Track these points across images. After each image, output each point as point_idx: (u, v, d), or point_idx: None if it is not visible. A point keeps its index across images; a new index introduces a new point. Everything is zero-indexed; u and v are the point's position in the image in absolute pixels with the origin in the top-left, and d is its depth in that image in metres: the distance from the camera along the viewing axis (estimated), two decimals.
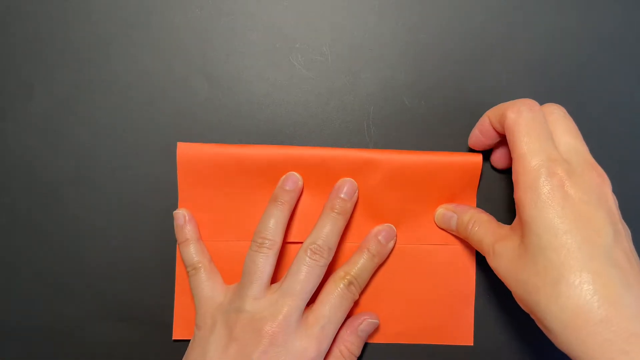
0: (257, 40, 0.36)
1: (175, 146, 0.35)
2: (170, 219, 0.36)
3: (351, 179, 0.35)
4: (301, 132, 0.36)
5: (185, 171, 0.35)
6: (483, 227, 0.32)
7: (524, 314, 0.35)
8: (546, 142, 0.29)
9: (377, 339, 0.36)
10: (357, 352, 0.34)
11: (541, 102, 0.35)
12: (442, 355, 0.36)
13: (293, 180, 0.34)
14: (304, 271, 0.32)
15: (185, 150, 0.35)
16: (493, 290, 0.36)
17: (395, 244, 0.35)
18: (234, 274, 0.35)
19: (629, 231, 0.29)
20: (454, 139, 0.36)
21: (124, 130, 0.36)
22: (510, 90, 0.36)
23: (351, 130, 0.36)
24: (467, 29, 0.36)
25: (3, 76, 0.36)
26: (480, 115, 0.33)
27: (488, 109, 0.35)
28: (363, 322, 0.34)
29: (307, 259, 0.32)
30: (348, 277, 0.33)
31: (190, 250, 0.35)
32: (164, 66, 0.36)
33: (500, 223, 0.32)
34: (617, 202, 0.29)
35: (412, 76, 0.36)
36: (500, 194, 0.36)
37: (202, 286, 0.34)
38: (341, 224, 0.34)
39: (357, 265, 0.34)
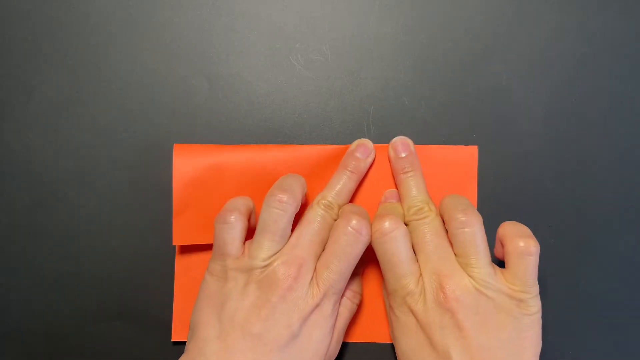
0: (257, 40, 0.36)
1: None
2: (170, 219, 0.36)
3: (367, 139, 0.35)
4: (301, 132, 0.36)
5: (181, 172, 0.35)
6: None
7: None
8: (398, 275, 0.31)
9: (378, 339, 0.36)
10: (360, 289, 0.35)
11: (541, 102, 0.36)
12: None
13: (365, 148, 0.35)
14: (322, 223, 0.32)
15: (181, 152, 0.35)
16: None
17: (374, 157, 0.35)
18: None
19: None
20: (454, 139, 0.36)
21: (124, 130, 0.36)
22: (511, 90, 0.36)
23: (351, 130, 0.36)
24: (467, 29, 0.36)
25: (3, 76, 0.36)
26: (480, 114, 0.33)
27: (488, 109, 0.35)
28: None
29: (320, 211, 0.33)
30: (324, 201, 0.33)
31: (238, 201, 0.34)
32: (164, 66, 0.36)
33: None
34: (480, 300, 0.30)
35: (412, 76, 0.36)
36: (500, 193, 0.36)
37: (232, 242, 0.32)
38: (353, 183, 0.34)
39: (334, 186, 0.34)
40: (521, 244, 0.30)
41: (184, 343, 0.36)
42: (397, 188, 0.35)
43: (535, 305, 0.30)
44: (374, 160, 0.35)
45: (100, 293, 0.36)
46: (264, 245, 0.31)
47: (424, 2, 0.36)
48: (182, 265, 0.36)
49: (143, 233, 0.36)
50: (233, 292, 0.31)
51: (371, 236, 0.32)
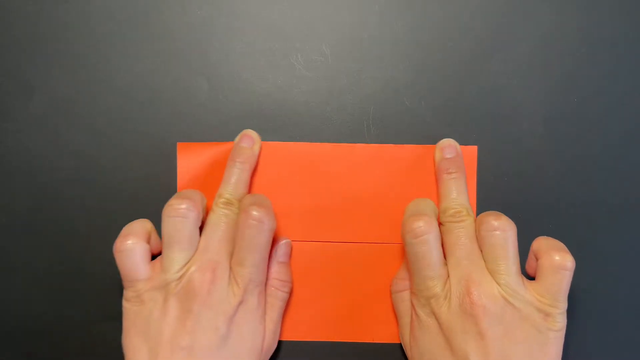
0: (257, 40, 0.36)
1: (175, 146, 0.35)
2: None
3: (251, 130, 0.35)
4: (301, 132, 0.36)
5: (185, 171, 0.35)
6: (406, 304, 0.34)
7: None
8: (425, 277, 0.31)
9: (378, 339, 0.36)
10: (287, 277, 0.35)
11: (541, 102, 0.36)
12: None
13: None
14: (225, 221, 0.32)
15: (185, 150, 0.35)
16: None
17: (260, 146, 0.35)
18: None
19: None
20: (454, 139, 0.36)
21: (123, 131, 0.36)
22: (511, 90, 0.36)
23: (351, 130, 0.36)
24: (467, 29, 0.36)
25: (3, 76, 0.36)
26: (480, 114, 0.33)
27: (488, 109, 0.35)
28: (277, 249, 0.35)
29: (221, 211, 0.32)
30: (221, 199, 0.33)
31: (139, 224, 0.33)
32: (164, 66, 0.36)
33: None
34: (513, 327, 0.30)
35: (412, 76, 0.36)
36: (500, 193, 0.36)
37: (139, 267, 0.32)
38: (246, 174, 0.34)
39: (229, 181, 0.34)
40: (557, 257, 0.30)
41: None
42: (438, 188, 0.35)
43: (562, 322, 0.30)
44: (260, 148, 0.35)
45: (100, 293, 0.36)
46: (173, 257, 0.31)
47: (424, 2, 0.36)
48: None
49: None
50: (154, 312, 0.31)
51: (403, 234, 0.31)
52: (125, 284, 0.32)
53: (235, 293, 0.31)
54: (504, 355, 0.29)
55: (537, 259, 0.31)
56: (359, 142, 0.36)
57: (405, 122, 0.36)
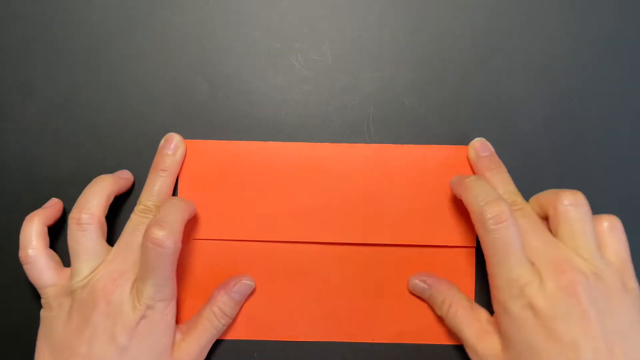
0: (257, 40, 0.36)
1: None
2: None
3: (174, 133, 0.35)
4: (301, 132, 0.36)
5: (187, 168, 0.35)
6: (464, 315, 0.32)
7: None
8: (514, 264, 0.29)
9: (378, 339, 0.36)
10: (232, 313, 0.34)
11: (541, 102, 0.36)
12: (443, 356, 0.36)
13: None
14: (140, 229, 0.32)
15: (188, 147, 0.35)
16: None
17: (184, 152, 0.35)
18: (228, 272, 0.35)
19: (628, 338, 0.28)
20: (454, 139, 0.36)
21: (123, 130, 0.36)
22: (511, 90, 0.36)
23: (351, 130, 0.36)
24: (467, 29, 0.36)
25: (3, 76, 0.36)
26: (480, 114, 0.33)
27: (488, 109, 0.35)
28: (238, 283, 0.35)
29: (138, 217, 0.33)
30: (140, 206, 0.33)
31: (31, 231, 0.33)
32: (164, 66, 0.36)
33: (476, 308, 0.33)
34: (607, 297, 0.28)
35: (412, 76, 0.36)
36: None
37: (43, 276, 0.33)
38: (169, 181, 0.34)
39: (151, 188, 0.34)
40: (606, 223, 0.30)
41: None
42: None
43: (636, 281, 0.30)
44: (185, 153, 0.35)
45: None
46: (79, 266, 0.32)
47: (424, 2, 0.36)
48: (183, 265, 0.36)
49: None
50: (59, 318, 0.31)
51: (482, 222, 0.29)
52: (38, 291, 0.33)
53: (136, 307, 0.30)
54: (613, 331, 0.27)
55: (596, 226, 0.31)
56: (359, 142, 0.36)
57: (405, 122, 0.36)
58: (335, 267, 0.36)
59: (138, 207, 0.33)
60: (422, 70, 0.36)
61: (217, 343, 0.36)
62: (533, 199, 0.33)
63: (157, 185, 0.34)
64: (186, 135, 0.36)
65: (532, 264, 0.29)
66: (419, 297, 0.35)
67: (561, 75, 0.36)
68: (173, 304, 0.32)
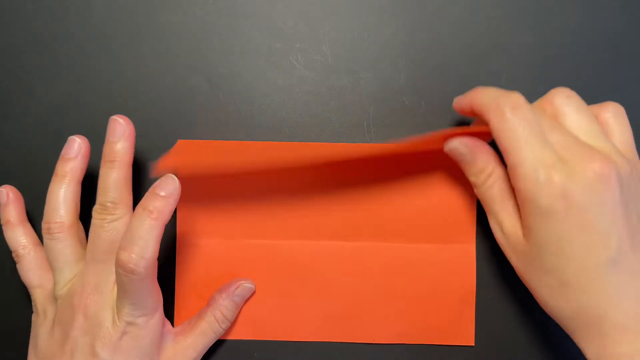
0: (257, 40, 0.36)
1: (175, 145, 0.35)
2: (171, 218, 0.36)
3: (172, 176, 0.30)
4: (301, 132, 0.36)
5: (186, 167, 0.35)
6: (501, 188, 0.30)
7: (526, 313, 0.36)
8: (537, 148, 0.27)
9: (378, 339, 0.36)
10: (232, 317, 0.34)
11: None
12: (443, 356, 0.36)
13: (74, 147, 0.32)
14: (101, 233, 0.31)
15: (184, 147, 0.35)
16: (494, 289, 0.36)
17: (133, 138, 0.32)
18: (228, 271, 0.35)
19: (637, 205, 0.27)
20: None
21: None
22: (511, 90, 0.36)
23: (351, 130, 0.36)
24: (467, 29, 0.36)
25: (3, 76, 0.36)
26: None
27: None
28: (239, 287, 0.34)
29: (98, 220, 0.31)
30: (98, 206, 0.31)
31: (16, 233, 0.33)
32: (164, 66, 0.36)
33: (511, 185, 0.29)
34: (636, 181, 0.27)
35: (412, 76, 0.36)
36: None
37: (28, 275, 0.33)
38: (120, 172, 0.31)
39: (104, 184, 0.31)
40: (609, 114, 0.30)
41: None
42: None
43: None
44: (133, 139, 0.32)
45: None
46: (56, 276, 0.32)
47: (424, 2, 0.36)
48: (183, 265, 0.36)
49: None
50: (44, 326, 0.32)
51: (500, 109, 0.27)
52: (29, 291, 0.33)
53: (115, 323, 0.30)
54: (637, 222, 0.27)
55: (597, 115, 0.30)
56: (358, 142, 0.36)
57: (405, 122, 0.36)
58: (335, 266, 0.36)
59: (95, 208, 0.31)
60: (422, 70, 0.36)
61: (217, 343, 0.36)
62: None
63: (110, 179, 0.31)
64: (186, 135, 0.36)
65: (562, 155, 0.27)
66: (455, 163, 0.32)
67: (561, 75, 0.36)
68: (157, 315, 0.31)
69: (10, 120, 0.36)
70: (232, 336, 0.36)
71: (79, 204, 0.32)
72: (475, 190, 0.32)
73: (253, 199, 0.35)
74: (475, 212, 0.35)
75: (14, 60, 0.36)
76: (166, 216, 0.29)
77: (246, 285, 0.35)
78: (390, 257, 0.36)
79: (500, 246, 0.31)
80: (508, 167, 0.28)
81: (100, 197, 0.31)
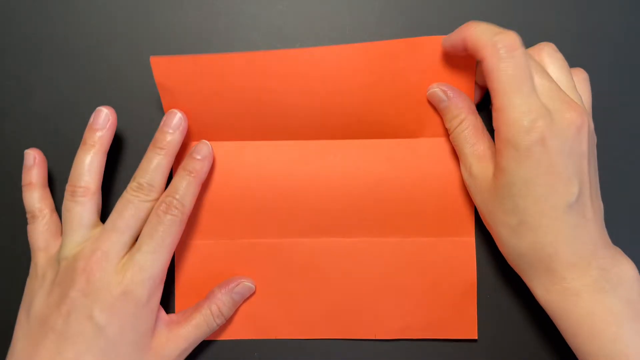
0: (257, 40, 0.36)
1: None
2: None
3: (176, 110, 0.33)
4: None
5: (166, 87, 0.34)
6: (471, 134, 0.32)
7: (528, 306, 0.36)
8: (527, 94, 0.28)
9: (380, 335, 0.36)
10: (228, 314, 0.34)
11: None
12: (446, 350, 0.36)
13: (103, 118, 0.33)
14: (130, 208, 0.32)
15: (160, 64, 0.33)
16: (495, 282, 0.36)
17: (186, 127, 0.33)
18: (227, 271, 0.35)
19: (597, 182, 0.31)
20: None
21: (124, 131, 0.36)
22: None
23: None
24: None
25: (3, 76, 0.36)
26: (480, 114, 0.33)
27: (488, 108, 0.35)
28: (239, 284, 0.35)
29: (130, 196, 0.32)
30: (167, 200, 0.32)
31: (34, 195, 0.34)
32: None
33: (486, 134, 0.33)
34: (594, 140, 0.30)
35: None
36: None
37: (38, 236, 0.33)
38: (166, 161, 0.33)
39: (146, 166, 0.32)
40: (583, 75, 0.32)
41: None
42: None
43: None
44: (184, 134, 0.33)
45: None
46: (66, 239, 0.32)
47: (424, 2, 0.36)
48: (182, 266, 0.36)
49: None
50: (42, 288, 0.32)
51: (495, 48, 0.28)
52: (32, 254, 0.33)
53: (119, 281, 0.30)
54: (593, 174, 0.30)
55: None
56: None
57: None
58: (335, 263, 0.36)
59: (131, 185, 0.32)
60: None
61: (217, 343, 0.36)
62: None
63: (153, 163, 0.32)
64: (186, 135, 0.36)
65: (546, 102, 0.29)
66: (434, 107, 0.34)
67: None
68: (159, 291, 0.32)
69: (10, 120, 0.36)
70: (233, 336, 0.36)
71: (102, 173, 0.33)
72: (449, 136, 0.34)
73: (250, 199, 0.35)
74: (473, 205, 0.35)
75: (14, 60, 0.36)
76: (202, 175, 0.33)
77: (247, 284, 0.35)
78: (390, 252, 0.36)
79: (468, 188, 0.33)
80: (494, 107, 0.29)
81: (140, 177, 0.32)
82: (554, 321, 0.30)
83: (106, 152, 0.33)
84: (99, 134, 0.33)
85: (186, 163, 0.33)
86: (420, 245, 0.36)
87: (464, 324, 0.36)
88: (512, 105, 0.28)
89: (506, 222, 0.30)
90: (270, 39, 0.36)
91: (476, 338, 0.36)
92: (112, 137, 0.33)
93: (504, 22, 0.36)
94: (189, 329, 0.33)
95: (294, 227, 0.36)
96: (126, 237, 0.31)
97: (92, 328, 0.30)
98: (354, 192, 0.35)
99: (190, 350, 0.34)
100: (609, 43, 0.36)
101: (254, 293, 0.36)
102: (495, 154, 0.30)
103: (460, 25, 0.30)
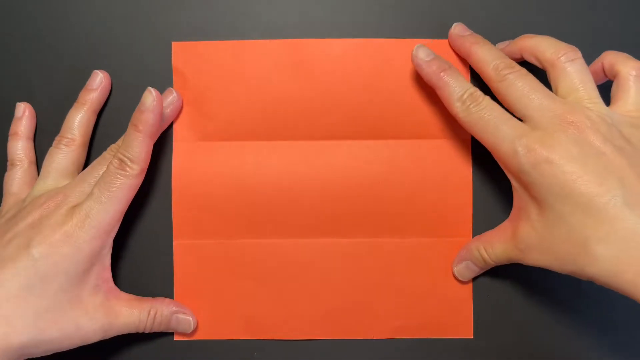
0: (257, 40, 0.36)
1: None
2: (168, 217, 0.36)
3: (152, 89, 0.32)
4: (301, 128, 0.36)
5: (180, 70, 0.35)
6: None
7: (522, 305, 0.36)
8: (511, 125, 0.29)
9: (378, 335, 0.36)
10: (157, 328, 0.34)
11: None
12: (443, 349, 0.36)
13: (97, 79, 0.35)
14: (102, 163, 0.33)
15: (180, 49, 0.36)
16: (491, 281, 0.36)
17: (156, 109, 0.32)
18: (225, 274, 0.36)
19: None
20: (455, 141, 0.36)
21: (124, 131, 0.36)
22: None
23: None
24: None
25: (3, 76, 0.36)
26: None
27: None
28: (183, 315, 0.35)
29: (107, 154, 0.34)
30: (119, 156, 0.32)
31: (17, 145, 0.35)
32: (164, 66, 0.36)
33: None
34: (611, 132, 0.28)
35: None
36: (500, 193, 0.36)
37: (12, 182, 0.34)
38: (146, 138, 0.32)
39: (128, 145, 0.32)
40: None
41: (186, 341, 0.36)
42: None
43: None
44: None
45: None
46: (40, 182, 0.33)
47: (424, 2, 0.36)
48: (181, 266, 0.36)
49: (145, 232, 0.36)
50: None
51: (498, 71, 0.30)
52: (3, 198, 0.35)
53: (64, 222, 0.30)
54: (637, 163, 0.28)
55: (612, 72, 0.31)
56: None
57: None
58: (332, 264, 0.36)
59: (111, 146, 0.34)
60: None
61: (217, 343, 0.36)
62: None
63: (129, 138, 0.32)
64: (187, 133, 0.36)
65: (538, 122, 0.29)
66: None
67: None
68: (103, 243, 0.31)
69: (10, 120, 0.36)
70: (232, 336, 0.36)
71: (90, 131, 0.35)
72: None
73: (249, 199, 0.36)
74: (471, 206, 0.36)
75: (14, 60, 0.36)
76: (151, 128, 0.32)
77: (190, 319, 0.35)
78: (388, 253, 0.36)
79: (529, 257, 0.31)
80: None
81: (122, 149, 0.32)
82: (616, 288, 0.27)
83: (96, 111, 0.35)
84: (91, 94, 0.35)
85: (134, 117, 0.32)
86: (418, 245, 0.36)
87: (460, 323, 0.36)
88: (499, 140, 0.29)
89: (571, 250, 0.28)
90: (270, 39, 0.36)
91: (472, 337, 0.36)
92: (104, 98, 0.35)
93: (504, 22, 0.36)
94: (123, 311, 0.33)
95: (292, 227, 0.36)
96: (93, 192, 0.31)
97: (26, 257, 0.29)
98: (352, 193, 0.36)
99: (115, 333, 0.33)
100: (609, 43, 0.36)
101: (253, 291, 0.36)
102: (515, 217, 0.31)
103: (460, 25, 0.32)
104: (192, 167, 0.35)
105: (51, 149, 0.34)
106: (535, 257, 0.30)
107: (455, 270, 0.35)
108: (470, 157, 0.36)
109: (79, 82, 0.36)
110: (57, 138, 0.34)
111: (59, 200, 0.31)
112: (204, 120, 0.35)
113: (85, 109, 0.34)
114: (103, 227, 0.31)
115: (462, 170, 0.36)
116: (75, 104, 0.35)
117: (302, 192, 0.36)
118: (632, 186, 0.27)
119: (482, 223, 0.36)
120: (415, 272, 0.36)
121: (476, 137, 0.31)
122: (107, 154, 0.34)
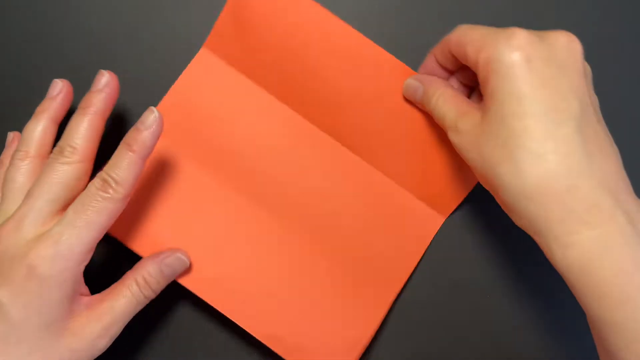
0: None
1: None
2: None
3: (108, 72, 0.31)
4: None
5: (230, 17, 0.34)
6: (448, 102, 0.30)
7: (527, 306, 0.36)
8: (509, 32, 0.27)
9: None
10: (156, 288, 0.31)
11: None
12: (444, 346, 0.36)
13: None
14: (47, 171, 0.29)
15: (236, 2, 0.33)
16: (493, 282, 0.36)
17: (155, 131, 0.29)
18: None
19: (597, 100, 0.28)
20: None
21: (124, 131, 0.36)
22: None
23: None
24: None
25: (3, 76, 0.36)
26: None
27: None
28: (171, 256, 0.31)
29: (50, 159, 0.29)
30: (103, 176, 0.28)
31: (38, 127, 0.31)
32: (165, 66, 0.36)
33: (466, 98, 0.30)
34: (588, 68, 0.28)
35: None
36: None
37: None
38: (96, 123, 0.31)
39: (117, 166, 0.29)
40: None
41: (187, 342, 0.36)
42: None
43: None
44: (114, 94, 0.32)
45: (106, 285, 0.36)
46: (2, 202, 0.30)
47: (425, 2, 0.36)
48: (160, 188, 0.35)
49: None
50: None
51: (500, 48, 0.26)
52: None
53: (25, 254, 0.27)
54: (591, 92, 0.28)
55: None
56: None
57: None
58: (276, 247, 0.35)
59: (54, 150, 0.30)
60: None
61: (217, 343, 0.36)
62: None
63: (79, 125, 0.30)
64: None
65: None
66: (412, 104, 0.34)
67: None
68: (74, 273, 0.28)
69: (10, 120, 0.36)
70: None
71: (52, 142, 0.32)
72: (432, 115, 0.31)
73: (234, 144, 0.35)
74: (464, 194, 0.35)
75: (15, 60, 0.36)
76: (146, 151, 0.29)
77: (180, 256, 0.32)
78: (365, 178, 0.35)
79: (459, 151, 0.29)
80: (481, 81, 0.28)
81: (61, 140, 0.30)
82: (573, 288, 0.25)
83: (55, 121, 0.32)
84: (48, 103, 0.32)
85: (129, 135, 0.29)
86: (395, 190, 0.35)
87: (379, 297, 0.35)
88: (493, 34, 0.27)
89: (505, 159, 0.25)
90: None
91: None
92: (65, 107, 0.33)
93: (504, 22, 0.36)
94: (112, 303, 0.29)
95: (258, 194, 0.35)
96: (41, 202, 0.28)
97: None
98: (319, 199, 0.35)
99: (118, 325, 0.30)
100: (609, 43, 0.36)
101: (256, 291, 0.33)
102: (481, 102, 0.28)
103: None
104: (201, 81, 0.35)
105: (9, 166, 0.31)
106: (466, 147, 0.28)
107: (405, 84, 0.33)
108: (432, 237, 0.35)
109: (79, 81, 0.36)
110: (12, 154, 0.31)
111: (9, 227, 0.27)
112: (235, 43, 0.34)
113: (43, 118, 0.31)
114: (74, 258, 0.27)
115: (419, 241, 0.35)
116: (32, 117, 0.32)
117: (280, 167, 0.35)
118: (591, 122, 0.26)
119: (480, 222, 0.35)
120: (377, 214, 0.35)
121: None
122: (50, 160, 0.29)
